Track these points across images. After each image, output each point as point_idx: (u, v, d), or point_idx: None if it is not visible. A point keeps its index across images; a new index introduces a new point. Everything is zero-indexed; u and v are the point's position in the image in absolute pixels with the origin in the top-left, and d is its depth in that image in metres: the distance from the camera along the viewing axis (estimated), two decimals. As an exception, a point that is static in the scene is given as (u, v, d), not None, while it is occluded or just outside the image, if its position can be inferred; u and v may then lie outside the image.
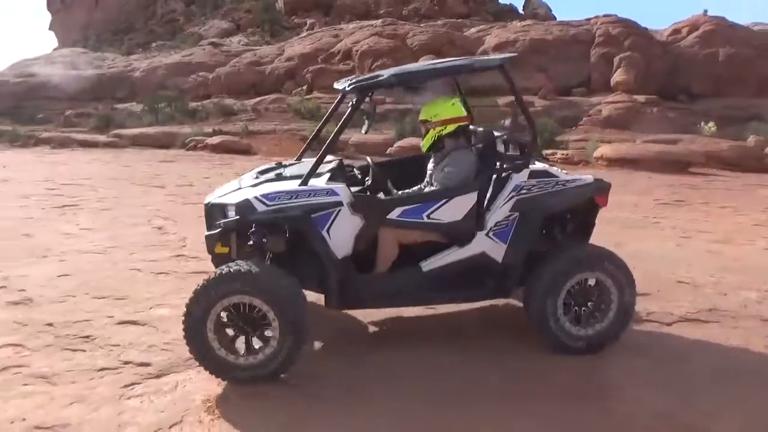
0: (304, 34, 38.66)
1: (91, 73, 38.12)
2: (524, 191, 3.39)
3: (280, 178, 3.60)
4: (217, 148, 19.86)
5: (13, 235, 6.88)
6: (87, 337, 3.76)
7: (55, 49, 57.31)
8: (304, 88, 29.28)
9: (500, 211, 3.39)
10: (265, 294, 2.99)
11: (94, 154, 20.14)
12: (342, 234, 3.29)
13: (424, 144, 3.75)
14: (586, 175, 3.56)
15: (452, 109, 3.66)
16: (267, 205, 3.26)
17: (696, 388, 3.10)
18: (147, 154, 19.78)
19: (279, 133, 22.46)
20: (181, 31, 55.06)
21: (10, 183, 11.81)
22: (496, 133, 3.92)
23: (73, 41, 67.12)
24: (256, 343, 3.11)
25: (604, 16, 29.47)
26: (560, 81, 26.55)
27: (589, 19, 30.11)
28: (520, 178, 3.41)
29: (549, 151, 16.75)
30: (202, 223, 3.73)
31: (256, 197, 3.30)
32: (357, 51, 28.61)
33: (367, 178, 3.84)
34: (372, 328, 4.00)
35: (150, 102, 28.78)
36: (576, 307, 3.43)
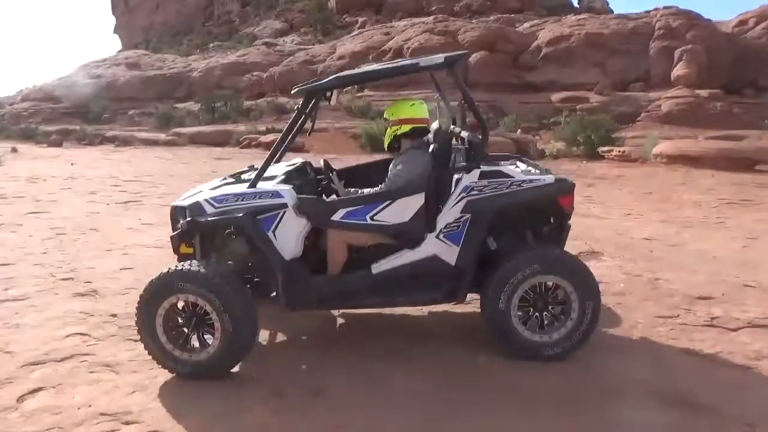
0: (355, 32, 38.94)
1: (153, 73, 39.60)
2: (475, 192, 3.24)
3: (238, 180, 3.69)
4: (270, 146, 20.29)
5: (81, 229, 7.26)
6: (148, 328, 3.92)
7: (119, 51, 59.90)
8: (356, 86, 29.52)
9: (450, 213, 3.26)
10: (209, 293, 3.05)
11: (154, 151, 20.97)
12: (288, 235, 3.29)
13: (385, 143, 3.78)
14: (549, 176, 3.31)
15: (410, 109, 3.64)
16: (215, 207, 3.35)
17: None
18: (204, 151, 20.43)
19: (331, 130, 22.73)
20: (237, 31, 56.46)
21: (78, 180, 12.44)
22: (464, 134, 3.79)
23: (135, 44, 70.02)
24: (202, 341, 3.18)
25: (665, 8, 28.40)
26: (617, 76, 25.76)
27: (648, 12, 29.09)
28: (471, 178, 3.26)
29: (605, 149, 16.29)
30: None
31: (206, 199, 3.40)
32: (408, 48, 28.60)
33: (330, 181, 3.84)
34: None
35: (207, 101, 29.69)
36: (537, 313, 3.28)
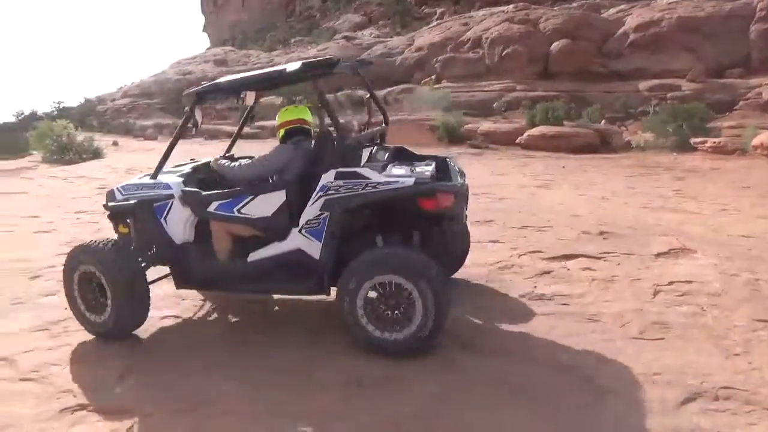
0: (433, 23, 38.64)
1: (238, 69, 41.21)
2: (331, 192, 3.41)
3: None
4: (348, 139, 20.63)
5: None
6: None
7: (207, 49, 62.77)
8: (433, 77, 29.34)
9: (311, 210, 3.47)
10: (99, 266, 3.59)
11: (238, 144, 21.83)
12: (177, 222, 3.78)
13: None
14: (409, 178, 3.32)
15: (283, 114, 4.00)
16: (122, 194, 3.93)
17: None
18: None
19: (407, 122, 22.76)
20: (318, 26, 57.55)
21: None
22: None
23: (223, 41, 73.03)
24: (103, 306, 3.67)
25: (770, -14, 26.10)
26: (712, 62, 24.04)
27: (750, -8, 26.85)
28: (327, 178, 3.41)
29: (698, 140, 15.31)
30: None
31: (117, 187, 4.01)
32: (487, 39, 28.05)
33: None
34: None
35: (288, 95, 30.52)
36: (387, 311, 3.32)
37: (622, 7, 31.21)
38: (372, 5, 55.03)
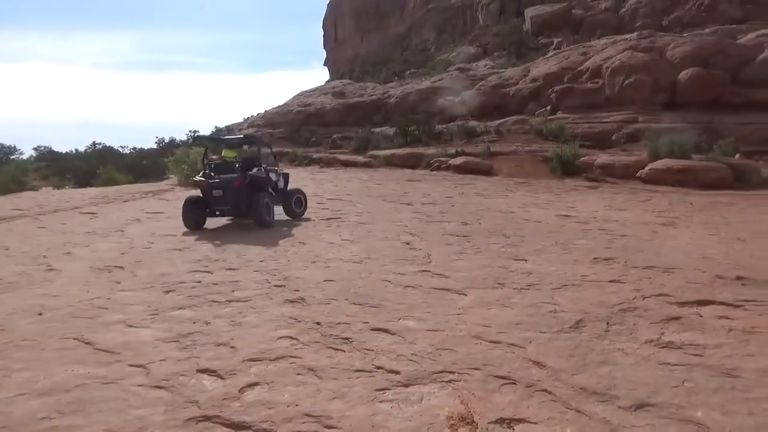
0: (550, 53, 37.86)
1: (355, 100, 42.86)
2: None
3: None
4: (459, 169, 20.58)
5: (290, 242, 8.11)
6: (347, 338, 4.21)
7: (327, 82, 65.99)
8: (548, 108, 28.62)
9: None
10: None
11: (353, 172, 22.59)
12: None
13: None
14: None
15: (224, 153, 10.04)
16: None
17: None
18: (397, 173, 21.45)
19: (520, 154, 22.32)
20: (432, 58, 58.56)
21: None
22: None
23: (341, 73, 76.53)
24: None
25: None
26: None
27: None
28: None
29: None
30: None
31: None
32: (607, 68, 26.92)
33: None
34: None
35: (401, 125, 31.18)
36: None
37: (762, 32, 28.78)
38: (487, 36, 55.19)
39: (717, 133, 21.18)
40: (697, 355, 3.75)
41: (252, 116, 51.58)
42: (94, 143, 43.85)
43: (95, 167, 27.21)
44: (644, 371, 3.54)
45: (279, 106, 48.62)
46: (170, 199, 15.06)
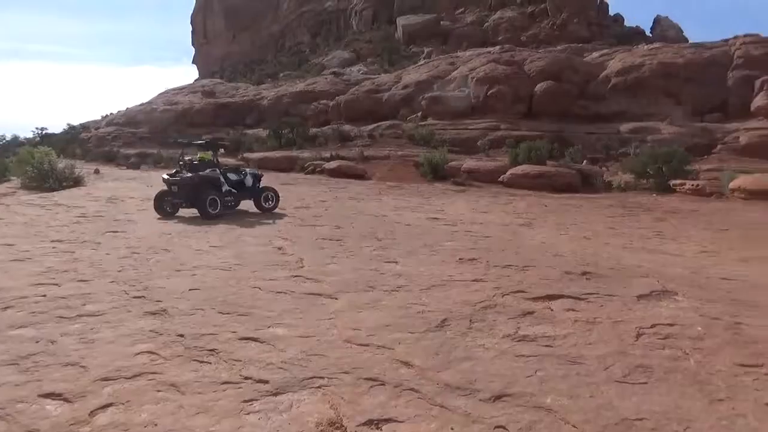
0: (421, 62, 39.40)
1: (226, 101, 41.41)
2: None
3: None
4: (334, 173, 20.68)
5: (154, 249, 7.60)
6: (212, 350, 4.01)
7: (196, 80, 63.09)
8: (419, 114, 29.74)
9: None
10: None
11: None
12: None
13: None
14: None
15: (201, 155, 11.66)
16: None
17: None
18: (270, 177, 21.02)
19: (393, 158, 22.93)
20: (307, 61, 58.33)
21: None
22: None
23: (212, 72, 73.58)
24: None
25: (745, 36, 27.19)
26: (691, 106, 24.79)
27: (726, 40, 27.93)
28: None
29: (677, 182, 15.59)
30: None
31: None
32: (473, 78, 28.62)
33: None
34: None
35: (274, 128, 30.68)
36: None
37: (605, 51, 32.17)
38: (361, 42, 56.09)
39: (567, 142, 23.35)
40: (548, 346, 4.06)
41: (112, 114, 47.85)
42: None
43: None
44: (502, 364, 3.77)
45: (143, 104, 45.65)
46: (10, 203, 13.45)
